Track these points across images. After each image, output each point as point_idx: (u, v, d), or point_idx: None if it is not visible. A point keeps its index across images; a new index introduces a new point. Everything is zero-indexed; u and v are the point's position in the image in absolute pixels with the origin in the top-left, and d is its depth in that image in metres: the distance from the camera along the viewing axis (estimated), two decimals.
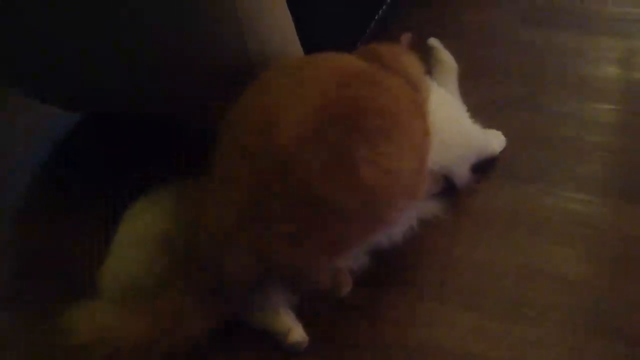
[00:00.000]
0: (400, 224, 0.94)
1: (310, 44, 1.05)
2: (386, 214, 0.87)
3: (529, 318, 0.93)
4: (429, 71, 1.19)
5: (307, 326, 0.92)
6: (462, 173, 1.10)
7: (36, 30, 1.01)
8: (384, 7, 1.44)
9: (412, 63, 0.98)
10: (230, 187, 0.84)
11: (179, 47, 0.96)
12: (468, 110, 1.16)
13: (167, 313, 0.85)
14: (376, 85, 0.88)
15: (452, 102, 1.15)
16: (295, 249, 0.83)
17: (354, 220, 0.84)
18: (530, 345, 0.89)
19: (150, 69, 1.02)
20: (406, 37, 1.10)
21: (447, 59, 1.23)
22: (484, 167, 1.17)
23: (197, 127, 0.91)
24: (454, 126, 1.08)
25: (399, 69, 0.94)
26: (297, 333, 0.90)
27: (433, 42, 1.24)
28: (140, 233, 0.99)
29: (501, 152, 1.20)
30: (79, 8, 0.95)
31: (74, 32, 0.99)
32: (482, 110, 1.18)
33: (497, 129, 1.21)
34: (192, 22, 0.92)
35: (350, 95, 0.84)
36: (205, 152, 0.90)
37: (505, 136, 1.21)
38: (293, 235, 0.82)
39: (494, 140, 1.19)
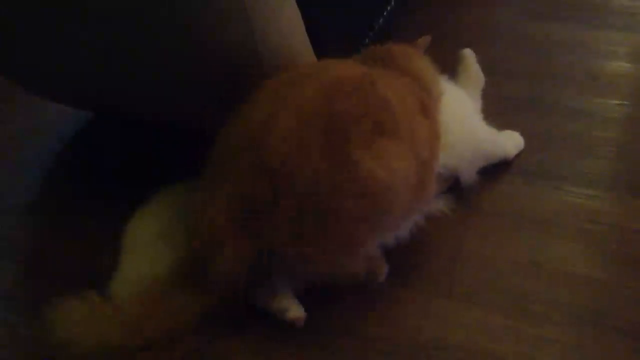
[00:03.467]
0: (412, 218, 0.95)
1: (318, 43, 1.06)
2: (393, 211, 0.88)
3: (536, 314, 0.93)
4: (454, 78, 1.20)
5: (312, 317, 0.93)
6: (469, 174, 1.10)
7: (43, 28, 1.02)
8: (391, 4, 1.44)
9: (424, 65, 0.98)
10: (222, 185, 0.86)
11: (188, 48, 0.96)
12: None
13: (157, 303, 0.87)
14: (365, 93, 0.88)
15: (466, 104, 1.14)
16: (299, 255, 0.85)
17: (359, 221, 0.84)
18: (536, 341, 0.90)
19: (158, 71, 1.02)
20: (424, 40, 1.10)
21: (475, 72, 1.23)
22: (492, 163, 1.17)
23: (209, 131, 0.92)
24: (464, 128, 1.07)
25: (410, 69, 0.95)
26: (297, 309, 0.92)
27: (466, 52, 1.24)
28: (148, 235, 1.01)
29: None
30: (88, 6, 0.96)
31: (83, 29, 0.99)
32: (490, 107, 1.19)
33: (506, 126, 1.20)
34: (202, 22, 0.93)
35: (333, 110, 0.85)
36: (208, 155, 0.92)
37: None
38: (294, 241, 0.83)
39: (509, 143, 1.18)
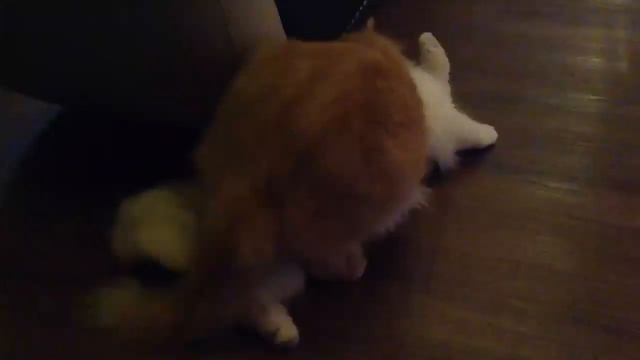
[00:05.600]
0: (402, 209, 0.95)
1: (294, 36, 1.04)
2: (405, 196, 0.90)
3: (516, 310, 0.93)
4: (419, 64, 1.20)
5: (293, 320, 0.91)
6: (445, 157, 1.11)
7: (22, 23, 1.00)
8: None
9: (388, 46, 0.97)
10: (248, 165, 0.81)
11: (162, 40, 0.94)
12: (454, 105, 1.16)
13: (189, 299, 0.84)
14: (396, 78, 0.88)
15: (434, 88, 1.15)
16: (314, 233, 0.82)
17: (378, 206, 0.85)
18: (517, 337, 0.89)
19: (132, 64, 1.00)
20: (371, 22, 1.10)
21: (437, 56, 1.23)
22: (471, 158, 1.17)
23: (181, 125, 0.90)
24: (436, 110, 1.07)
25: (387, 53, 0.94)
26: (287, 331, 0.89)
27: (425, 38, 1.24)
28: (163, 212, 0.98)
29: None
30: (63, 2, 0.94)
31: (59, 25, 0.97)
32: (467, 104, 1.19)
33: (483, 122, 1.21)
34: (176, 14, 0.91)
35: (373, 87, 0.84)
36: (187, 152, 0.89)
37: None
38: (313, 219, 0.81)
39: (483, 132, 1.20)
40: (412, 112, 0.87)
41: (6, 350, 0.93)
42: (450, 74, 1.25)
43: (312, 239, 0.83)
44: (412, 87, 0.90)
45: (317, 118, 0.79)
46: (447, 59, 1.24)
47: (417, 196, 0.96)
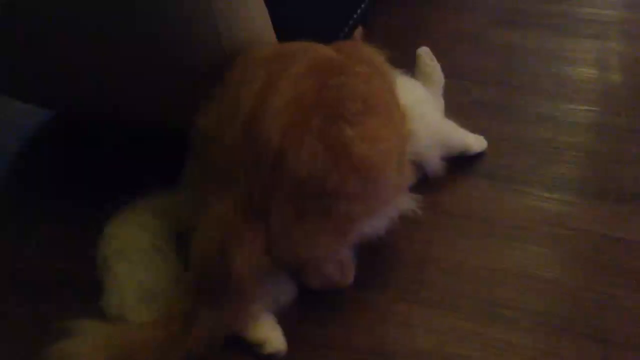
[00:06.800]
0: (390, 212, 0.94)
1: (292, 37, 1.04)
2: (383, 190, 0.88)
3: (505, 319, 0.92)
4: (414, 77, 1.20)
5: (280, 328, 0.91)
6: (432, 162, 1.11)
7: (15, 28, 0.99)
8: (362, 6, 1.43)
9: (373, 54, 0.98)
10: (226, 186, 0.83)
11: (151, 42, 0.94)
12: (445, 113, 1.16)
13: (178, 319, 0.83)
14: (348, 71, 0.88)
15: (421, 93, 1.15)
16: (299, 237, 0.83)
17: (355, 200, 0.84)
18: (506, 347, 0.89)
19: (122, 66, 1.00)
20: (359, 32, 1.11)
21: (432, 70, 1.24)
22: (461, 167, 1.17)
23: (171, 128, 0.89)
24: (423, 115, 1.08)
25: (364, 59, 0.94)
26: (275, 342, 0.88)
27: (422, 51, 1.24)
28: (137, 244, 0.97)
29: (479, 153, 1.20)
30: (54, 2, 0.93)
31: (51, 26, 0.97)
32: (457, 113, 1.19)
33: (473, 131, 1.21)
34: (166, 15, 0.90)
35: (325, 84, 0.84)
36: (179, 154, 0.90)
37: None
38: (295, 223, 0.82)
39: (471, 138, 1.20)
40: (370, 101, 0.86)
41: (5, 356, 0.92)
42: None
43: (299, 242, 0.83)
44: (368, 80, 0.89)
45: (276, 125, 0.80)
46: (442, 74, 1.25)
47: (407, 202, 0.96)
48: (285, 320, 0.91)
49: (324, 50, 0.91)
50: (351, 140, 0.82)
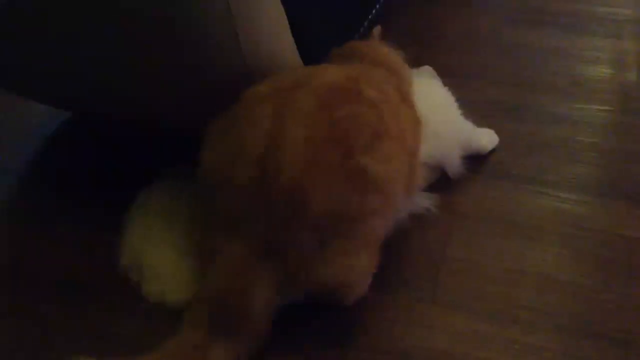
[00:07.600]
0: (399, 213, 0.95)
1: (303, 45, 1.04)
2: (399, 197, 0.90)
3: (522, 320, 0.92)
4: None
5: (295, 328, 0.90)
6: (452, 163, 1.11)
7: (29, 28, 0.99)
8: (376, 8, 1.43)
9: (390, 53, 0.98)
10: (240, 225, 0.83)
11: (170, 49, 0.94)
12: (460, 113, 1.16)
13: (189, 352, 0.82)
14: (355, 99, 0.88)
15: (439, 92, 1.15)
16: (326, 260, 0.83)
17: (376, 214, 0.85)
18: (522, 348, 0.88)
19: (141, 73, 1.00)
20: (377, 30, 1.11)
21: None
22: (478, 167, 1.17)
23: (191, 133, 0.90)
24: (442, 116, 1.09)
25: (379, 60, 0.94)
26: None
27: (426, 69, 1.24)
28: (152, 213, 1.02)
29: (495, 153, 1.20)
30: (70, 7, 0.94)
31: (68, 30, 0.97)
32: (474, 113, 1.18)
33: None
34: (185, 23, 0.91)
35: (333, 118, 0.84)
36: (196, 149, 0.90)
37: (499, 138, 1.21)
38: (320, 250, 0.82)
39: (485, 137, 1.20)
40: (380, 127, 0.87)
41: (5, 355, 0.93)
42: (456, 84, 1.24)
43: (327, 265, 0.83)
44: (377, 104, 0.89)
45: (293, 166, 0.80)
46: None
47: (421, 201, 0.96)
48: (300, 321, 0.91)
49: (329, 76, 0.90)
50: (367, 166, 0.83)
